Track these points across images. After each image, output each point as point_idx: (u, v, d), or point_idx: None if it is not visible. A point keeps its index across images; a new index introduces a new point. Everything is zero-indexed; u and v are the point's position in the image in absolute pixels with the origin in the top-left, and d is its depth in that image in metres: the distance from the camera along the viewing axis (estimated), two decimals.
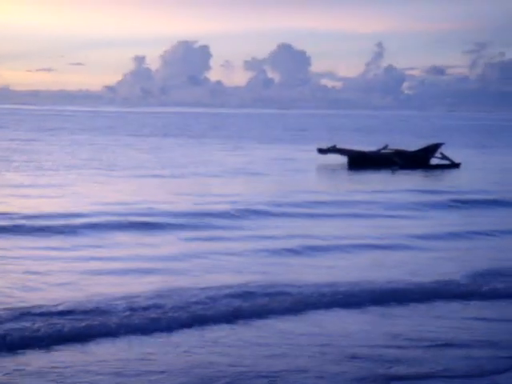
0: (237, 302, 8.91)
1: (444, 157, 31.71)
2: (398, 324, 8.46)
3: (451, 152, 33.16)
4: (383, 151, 32.11)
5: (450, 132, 79.55)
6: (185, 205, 17.85)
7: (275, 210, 17.29)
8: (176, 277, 10.38)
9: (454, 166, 31.33)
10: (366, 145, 38.93)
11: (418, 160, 31.15)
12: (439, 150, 31.95)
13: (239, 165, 30.80)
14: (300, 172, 28.03)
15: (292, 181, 24.69)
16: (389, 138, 52.19)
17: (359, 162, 30.70)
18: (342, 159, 31.62)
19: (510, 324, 8.65)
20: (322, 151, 32.11)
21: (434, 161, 31.84)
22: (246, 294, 9.28)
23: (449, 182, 26.27)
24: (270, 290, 9.54)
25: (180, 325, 8.07)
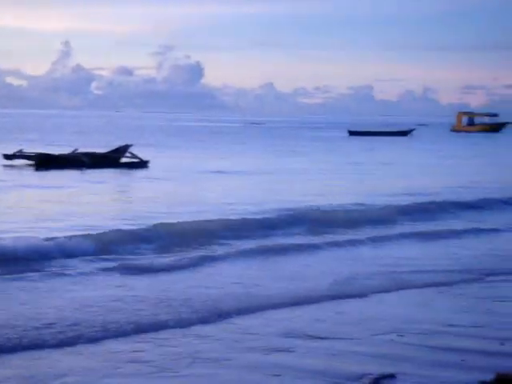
0: None
1: (133, 156, 33.02)
2: None
3: (141, 151, 34.32)
4: (73, 153, 32.34)
5: (141, 132, 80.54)
6: None
7: None
8: None
9: (143, 163, 32.73)
10: (58, 145, 38.14)
11: (109, 160, 32.02)
12: (129, 150, 33.16)
13: None
14: None
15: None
16: (81, 139, 51.63)
17: (47, 163, 30.51)
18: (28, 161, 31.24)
19: None
20: (8, 157, 31.07)
21: (124, 160, 32.87)
22: None
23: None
24: None
25: None
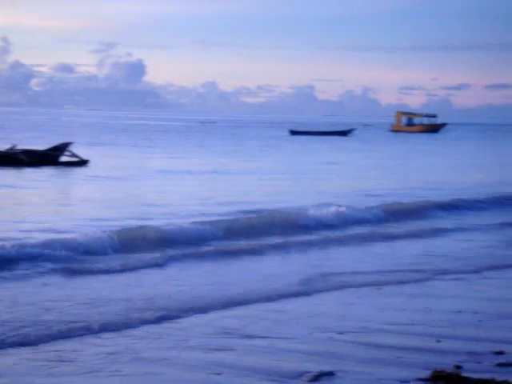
0: None
1: (73, 154, 32.63)
2: None
3: (81, 150, 34.07)
4: (11, 150, 31.63)
5: (82, 130, 79.81)
6: None
7: None
8: None
9: (83, 162, 32.40)
10: None
11: (48, 158, 31.62)
12: (69, 148, 32.72)
13: None
14: None
15: None
16: (19, 136, 50.83)
17: None
18: None
19: None
20: None
21: (64, 159, 32.43)
22: None
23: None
24: None
25: None
